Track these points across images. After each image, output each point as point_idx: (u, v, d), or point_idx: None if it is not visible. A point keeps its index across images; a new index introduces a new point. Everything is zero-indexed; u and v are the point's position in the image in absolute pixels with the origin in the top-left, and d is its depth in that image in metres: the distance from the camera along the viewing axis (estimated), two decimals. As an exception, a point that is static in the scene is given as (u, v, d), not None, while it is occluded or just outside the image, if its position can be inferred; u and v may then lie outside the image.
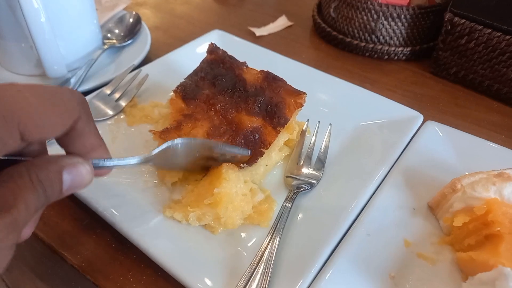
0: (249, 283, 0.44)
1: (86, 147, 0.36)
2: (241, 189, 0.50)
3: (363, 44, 0.86)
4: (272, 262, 0.45)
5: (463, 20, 0.74)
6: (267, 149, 0.53)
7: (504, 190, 0.47)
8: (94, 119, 0.62)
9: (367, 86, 0.77)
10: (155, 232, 0.49)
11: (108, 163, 0.38)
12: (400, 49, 0.85)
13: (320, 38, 0.94)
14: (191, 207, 0.49)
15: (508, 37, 0.70)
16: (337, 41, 0.90)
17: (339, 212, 0.51)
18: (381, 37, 0.85)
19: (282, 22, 0.99)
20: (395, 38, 0.85)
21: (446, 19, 0.76)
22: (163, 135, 0.54)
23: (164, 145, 0.44)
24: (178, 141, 0.45)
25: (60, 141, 0.35)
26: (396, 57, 0.87)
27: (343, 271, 0.45)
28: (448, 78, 0.81)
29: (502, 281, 0.39)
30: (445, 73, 0.81)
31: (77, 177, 0.33)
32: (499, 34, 0.71)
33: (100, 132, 0.38)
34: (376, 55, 0.87)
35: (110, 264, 0.49)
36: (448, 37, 0.77)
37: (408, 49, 0.85)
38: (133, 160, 0.40)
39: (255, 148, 0.53)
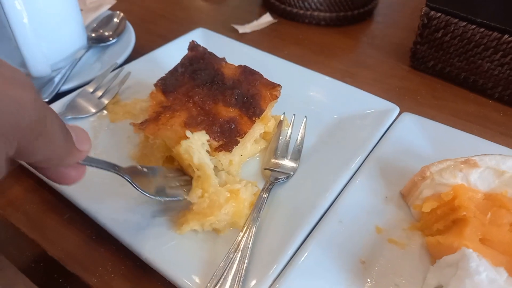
0: (227, 270, 0.45)
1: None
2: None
3: (299, 11, 0.99)
4: (248, 251, 0.47)
5: (439, 14, 0.75)
6: (242, 138, 0.55)
7: (470, 176, 0.49)
8: (77, 116, 0.65)
9: (347, 80, 0.78)
10: (135, 224, 0.50)
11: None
12: (333, 14, 0.98)
13: (304, 34, 0.95)
14: (206, 216, 0.49)
15: (482, 29, 0.72)
16: (280, 12, 1.02)
17: (314, 201, 0.52)
18: (312, 4, 0.97)
19: (266, 20, 1.00)
20: (325, 5, 0.97)
21: (422, 13, 0.77)
22: (142, 126, 0.55)
23: None
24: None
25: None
26: (324, 23, 0.99)
27: (315, 256, 0.47)
28: (426, 71, 0.83)
29: (464, 262, 0.41)
30: (423, 67, 0.83)
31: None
32: (473, 26, 0.73)
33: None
34: (308, 21, 0.99)
35: (89, 256, 0.50)
36: (425, 31, 0.79)
37: (341, 14, 0.97)
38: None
39: (231, 137, 0.54)
